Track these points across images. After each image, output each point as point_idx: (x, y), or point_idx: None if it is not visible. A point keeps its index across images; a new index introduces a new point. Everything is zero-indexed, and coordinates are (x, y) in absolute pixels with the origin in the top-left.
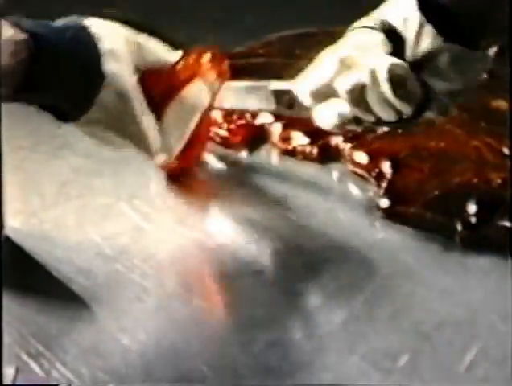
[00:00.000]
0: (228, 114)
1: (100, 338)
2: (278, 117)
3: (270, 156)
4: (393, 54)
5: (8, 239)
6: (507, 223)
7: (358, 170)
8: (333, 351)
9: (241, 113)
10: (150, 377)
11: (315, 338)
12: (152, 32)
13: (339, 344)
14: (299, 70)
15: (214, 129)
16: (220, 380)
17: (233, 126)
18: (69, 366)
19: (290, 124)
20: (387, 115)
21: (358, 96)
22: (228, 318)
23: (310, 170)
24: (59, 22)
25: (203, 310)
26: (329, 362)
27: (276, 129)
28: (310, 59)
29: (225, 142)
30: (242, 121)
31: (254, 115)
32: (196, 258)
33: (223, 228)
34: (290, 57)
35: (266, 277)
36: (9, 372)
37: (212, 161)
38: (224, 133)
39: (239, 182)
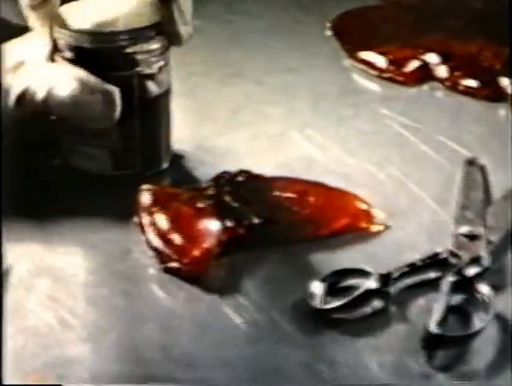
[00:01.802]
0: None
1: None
2: (444, 58)
3: (434, 91)
4: None
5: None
6: None
7: None
8: None
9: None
10: None
11: None
12: None
13: None
14: None
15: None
16: None
17: (405, 69)
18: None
19: (456, 67)
20: None
21: None
22: None
23: (476, 106)
24: None
25: None
26: None
27: (442, 71)
28: None
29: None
30: (415, 63)
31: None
32: (362, 188)
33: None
34: None
35: None
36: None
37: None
38: (399, 78)
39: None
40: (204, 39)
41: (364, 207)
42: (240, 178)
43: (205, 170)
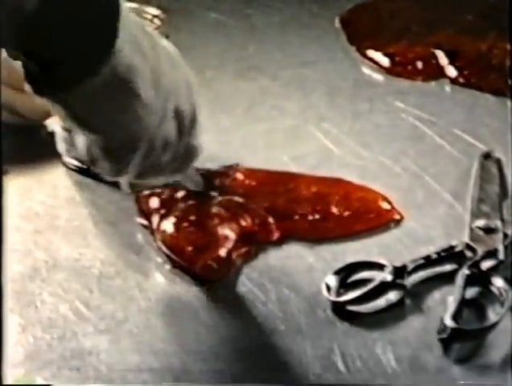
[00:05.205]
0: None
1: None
2: (454, 56)
3: (448, 85)
4: None
5: None
6: None
7: None
8: None
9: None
10: None
11: None
12: None
13: None
14: None
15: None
16: None
17: (414, 69)
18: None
19: (466, 66)
20: None
21: None
22: None
23: (491, 99)
24: None
25: None
26: None
27: (451, 70)
28: None
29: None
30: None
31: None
32: (378, 181)
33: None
34: None
35: None
36: None
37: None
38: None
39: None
40: (221, 33)
41: (386, 206)
42: (255, 176)
43: (220, 164)
